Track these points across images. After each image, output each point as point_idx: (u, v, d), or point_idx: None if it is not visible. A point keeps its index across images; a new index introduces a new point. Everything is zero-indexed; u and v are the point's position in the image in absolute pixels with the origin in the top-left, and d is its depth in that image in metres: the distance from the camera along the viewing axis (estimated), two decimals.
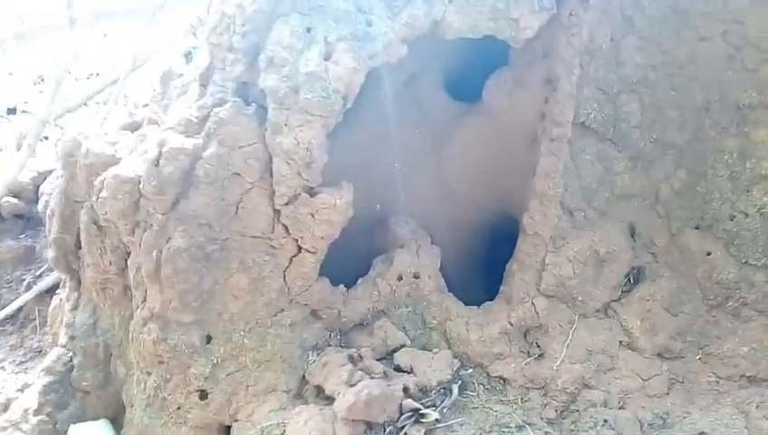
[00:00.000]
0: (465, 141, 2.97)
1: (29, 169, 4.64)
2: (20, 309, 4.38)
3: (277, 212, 2.49)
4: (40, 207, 4.48)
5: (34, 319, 4.36)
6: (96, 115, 6.29)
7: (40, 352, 4.23)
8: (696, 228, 2.88)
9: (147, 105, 5.53)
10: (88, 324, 3.04)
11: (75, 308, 3.15)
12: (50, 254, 3.14)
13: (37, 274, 4.48)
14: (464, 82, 2.96)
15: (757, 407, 2.47)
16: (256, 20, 2.35)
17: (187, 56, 6.88)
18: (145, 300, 2.65)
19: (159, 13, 5.68)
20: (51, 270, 4.47)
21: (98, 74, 7.16)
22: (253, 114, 2.42)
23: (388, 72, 2.55)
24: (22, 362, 4.19)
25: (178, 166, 2.42)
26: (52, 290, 4.25)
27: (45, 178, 4.60)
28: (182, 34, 5.75)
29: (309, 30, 2.32)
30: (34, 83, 7.27)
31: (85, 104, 5.85)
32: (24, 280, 4.46)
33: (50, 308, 3.85)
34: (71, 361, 3.01)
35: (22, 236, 4.60)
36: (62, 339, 3.10)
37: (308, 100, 2.27)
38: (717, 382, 2.65)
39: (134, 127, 3.38)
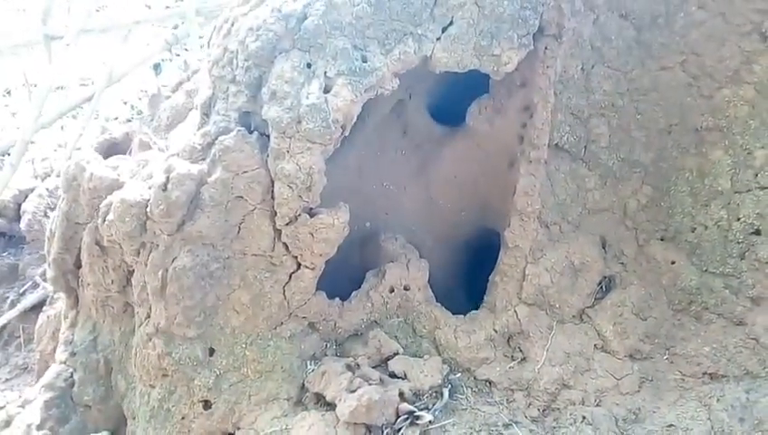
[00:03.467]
0: (450, 162, 3.26)
1: (9, 187, 4.77)
2: (4, 327, 4.50)
3: (278, 232, 2.73)
4: (23, 225, 4.64)
5: (19, 336, 4.48)
6: (67, 130, 6.42)
7: (26, 368, 4.36)
8: (662, 240, 3.18)
9: (129, 121, 5.71)
10: (88, 341, 3.23)
11: (74, 325, 3.33)
12: (49, 274, 3.31)
13: (21, 291, 4.60)
14: (447, 108, 3.24)
15: (718, 401, 2.74)
16: (258, 56, 2.59)
17: (156, 68, 7.05)
18: (149, 316, 2.86)
19: (134, 30, 5.84)
20: (34, 287, 4.61)
21: (63, 87, 7.25)
22: (255, 142, 2.65)
23: (379, 101, 2.80)
24: (8, 380, 4.32)
25: (185, 190, 2.64)
26: (36, 308, 4.39)
27: (27, 197, 4.75)
28: (157, 51, 5.91)
29: (309, 65, 2.57)
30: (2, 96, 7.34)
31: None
32: (8, 298, 4.59)
33: (36, 325, 4.00)
34: (71, 376, 3.20)
35: (4, 253, 4.73)
36: (62, 356, 3.27)
37: (309, 129, 2.51)
38: (683, 380, 2.92)
39: (113, 146, 3.59)
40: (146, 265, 2.77)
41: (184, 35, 5.76)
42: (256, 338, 2.83)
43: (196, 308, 2.72)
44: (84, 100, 5.62)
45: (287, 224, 2.69)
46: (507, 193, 3.12)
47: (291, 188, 2.61)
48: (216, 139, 2.69)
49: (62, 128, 6.45)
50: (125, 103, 6.78)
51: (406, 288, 3.06)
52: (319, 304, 2.89)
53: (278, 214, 2.67)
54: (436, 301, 3.14)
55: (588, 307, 3.13)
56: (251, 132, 2.68)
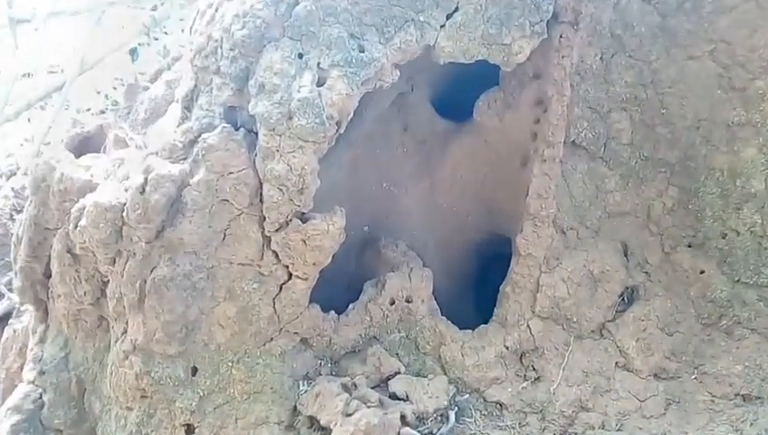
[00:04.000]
0: (455, 161, 3.27)
1: None
2: None
3: (267, 239, 2.74)
4: None
5: None
6: (35, 123, 6.42)
7: None
8: (689, 247, 3.20)
9: (103, 114, 5.72)
10: (58, 358, 3.23)
11: (43, 341, 3.33)
12: (15, 283, 3.32)
13: None
14: (453, 102, 3.25)
15: (751, 425, 2.77)
16: (245, 45, 2.60)
17: (133, 54, 7.06)
18: (126, 332, 2.87)
19: (108, 12, 5.85)
20: None
21: (30, 75, 7.26)
22: (242, 140, 2.67)
23: (378, 94, 2.81)
24: None
25: (165, 193, 2.65)
26: (2, 320, 4.38)
27: None
28: (134, 34, 5.92)
29: (301, 56, 2.58)
30: None
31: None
32: None
33: (1, 340, 4.00)
34: (40, 398, 3.20)
35: None
36: (30, 375, 3.27)
37: (301, 126, 2.53)
38: (713, 401, 2.94)
39: (86, 141, 3.59)
40: (122, 275, 2.79)
41: (163, 17, 5.78)
42: (243, 356, 2.84)
43: (177, 323, 2.73)
44: (54, 89, 5.63)
45: (277, 230, 2.71)
46: (519, 195, 3.13)
47: (281, 190, 2.62)
48: (199, 136, 2.70)
49: (28, 120, 6.45)
50: (98, 93, 6.77)
51: (408, 300, 3.08)
52: (312, 317, 2.91)
53: (267, 219, 2.69)
54: (442, 314, 3.16)
55: (608, 321, 3.14)
56: (237, 129, 2.70)
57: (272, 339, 2.87)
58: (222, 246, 2.74)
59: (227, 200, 2.69)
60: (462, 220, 3.39)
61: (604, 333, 3.12)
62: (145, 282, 2.73)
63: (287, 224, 2.70)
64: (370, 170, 3.29)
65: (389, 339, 3.08)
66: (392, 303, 3.06)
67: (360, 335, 3.04)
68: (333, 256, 2.83)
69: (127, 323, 2.84)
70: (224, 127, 2.67)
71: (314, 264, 2.77)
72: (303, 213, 2.72)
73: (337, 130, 2.64)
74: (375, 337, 3.06)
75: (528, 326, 3.09)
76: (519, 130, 3.09)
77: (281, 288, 2.81)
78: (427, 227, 3.38)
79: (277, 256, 2.76)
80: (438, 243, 3.40)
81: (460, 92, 3.22)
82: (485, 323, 3.16)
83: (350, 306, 3.06)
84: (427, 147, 3.31)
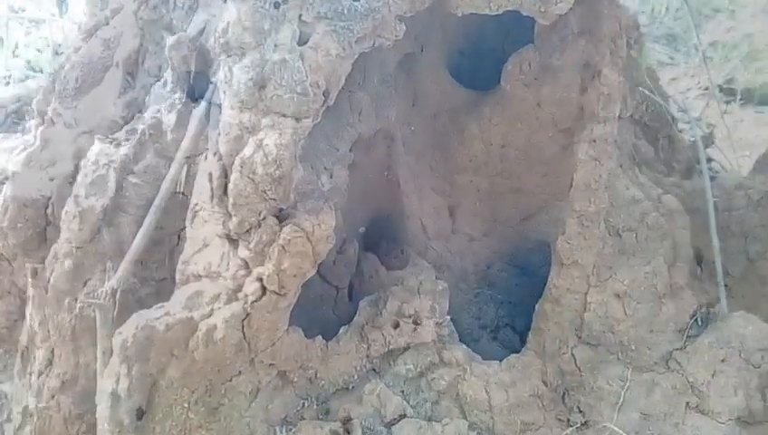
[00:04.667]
0: (476, 141, 3.26)
1: None
2: None
3: (234, 242, 2.72)
4: None
5: None
6: None
7: None
8: None
9: (23, 83, 5.72)
10: None
11: None
12: None
13: None
14: (474, 65, 3.25)
15: None
16: None
17: (61, 4, 7.06)
18: (52, 364, 2.87)
19: None
20: None
21: None
22: (201, 115, 2.67)
23: (377, 56, 2.80)
24: None
25: (101, 184, 2.66)
26: None
27: None
28: None
29: (277, 5, 2.57)
30: None
31: None
32: None
33: None
34: None
35: None
36: None
37: (278, 97, 2.51)
38: None
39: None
40: (46, 289, 2.78)
41: None
42: (204, 394, 2.82)
43: None
44: None
45: (247, 231, 2.69)
46: (559, 186, 3.13)
47: (251, 179, 2.61)
48: (146, 110, 2.69)
49: None
50: (16, 57, 6.78)
51: (416, 322, 3.05)
52: (293, 345, 2.89)
53: (234, 217, 2.67)
54: (460, 339, 3.14)
55: (676, 349, 3.12)
56: (195, 101, 2.69)
57: (240, 373, 2.84)
58: (175, 251, 2.74)
59: (182, 193, 2.69)
60: (483, 219, 3.38)
61: (671, 364, 3.10)
62: (76, 299, 2.73)
63: (260, 224, 2.67)
64: (369, 156, 3.27)
65: (393, 372, 3.05)
66: (396, 325, 3.04)
67: (355, 368, 3.02)
68: (320, 267, 2.83)
69: (53, 352, 2.84)
70: (178, 98, 2.67)
71: (295, 275, 2.74)
72: (281, 210, 2.70)
73: (324, 103, 2.63)
74: (374, 369, 3.05)
75: (572, 356, 3.08)
76: (559, 103, 3.08)
77: (252, 307, 2.76)
78: (440, 229, 3.36)
79: (247, 264, 2.74)
80: (454, 248, 3.38)
81: (483, 54, 3.21)
82: (517, 353, 3.16)
83: (342, 330, 3.04)
84: (440, 123, 3.30)
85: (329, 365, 2.98)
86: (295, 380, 2.95)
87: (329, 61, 2.55)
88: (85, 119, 2.98)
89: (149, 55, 2.77)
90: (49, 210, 2.69)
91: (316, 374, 2.97)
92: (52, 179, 2.73)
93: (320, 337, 2.99)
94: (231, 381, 2.84)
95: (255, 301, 2.77)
